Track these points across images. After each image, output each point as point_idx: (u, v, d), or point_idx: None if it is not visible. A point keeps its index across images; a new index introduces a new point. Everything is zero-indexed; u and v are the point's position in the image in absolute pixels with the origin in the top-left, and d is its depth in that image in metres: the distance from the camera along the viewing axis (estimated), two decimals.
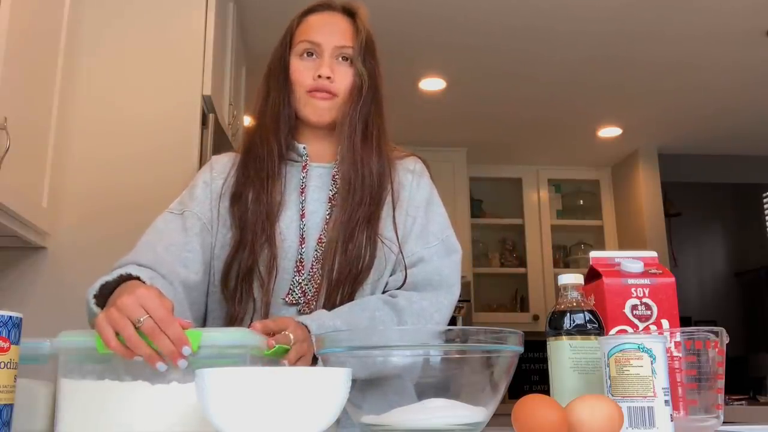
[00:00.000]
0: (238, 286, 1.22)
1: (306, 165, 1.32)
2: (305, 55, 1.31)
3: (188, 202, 1.31)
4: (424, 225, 1.31)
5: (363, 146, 1.28)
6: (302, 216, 1.27)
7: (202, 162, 2.23)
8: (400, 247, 1.26)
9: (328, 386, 0.71)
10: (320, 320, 1.11)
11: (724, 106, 4.02)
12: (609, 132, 4.42)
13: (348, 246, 1.21)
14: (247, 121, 3.92)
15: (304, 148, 1.32)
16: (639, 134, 4.47)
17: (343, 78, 1.29)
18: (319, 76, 1.28)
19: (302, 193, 1.29)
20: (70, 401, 0.87)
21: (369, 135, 1.30)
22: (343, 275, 1.21)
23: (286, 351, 0.99)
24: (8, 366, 0.77)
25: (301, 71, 1.30)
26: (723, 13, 3.02)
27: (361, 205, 1.24)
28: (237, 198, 1.27)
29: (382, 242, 1.25)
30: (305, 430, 0.70)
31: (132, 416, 0.86)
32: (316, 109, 1.29)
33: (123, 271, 1.05)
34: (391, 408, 0.83)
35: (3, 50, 1.64)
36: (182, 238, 1.24)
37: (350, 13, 1.35)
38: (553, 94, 3.86)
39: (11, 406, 0.78)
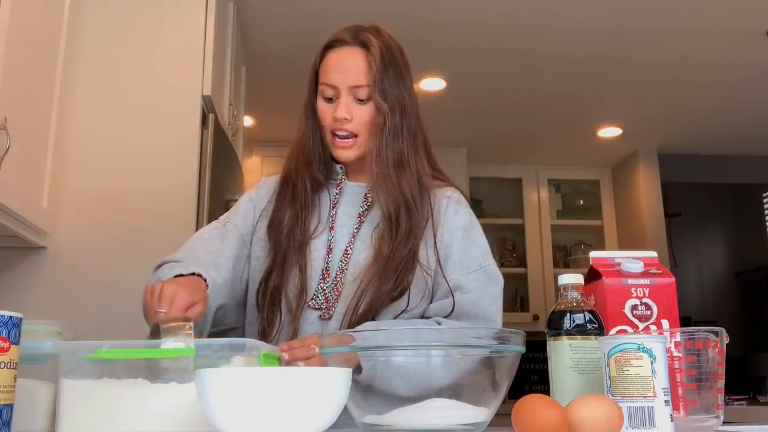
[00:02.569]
0: (268, 302, 1.31)
1: (341, 183, 1.39)
2: (326, 97, 1.34)
3: (232, 215, 1.43)
4: (463, 251, 1.32)
5: (399, 176, 1.31)
6: (331, 228, 1.34)
7: (201, 161, 2.23)
8: (443, 273, 1.29)
9: (328, 386, 0.71)
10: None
11: (724, 106, 4.02)
12: (609, 132, 4.41)
13: (386, 280, 1.25)
14: (248, 121, 3.92)
15: (341, 168, 1.39)
16: (639, 134, 4.47)
17: (361, 116, 1.32)
18: (336, 118, 1.32)
19: (333, 207, 1.36)
20: (71, 401, 0.87)
21: (406, 163, 1.32)
22: (375, 305, 1.25)
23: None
24: (8, 366, 0.77)
25: (324, 112, 1.35)
26: (723, 13, 3.02)
27: (409, 237, 1.28)
28: (273, 223, 1.37)
29: (422, 269, 1.28)
30: (305, 430, 0.70)
31: (132, 416, 0.86)
32: (340, 153, 1.35)
33: (196, 270, 1.20)
34: (394, 407, 0.83)
35: (3, 50, 1.64)
36: (219, 245, 1.36)
37: (364, 46, 1.34)
38: (553, 94, 3.86)
39: (11, 406, 0.78)
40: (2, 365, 0.76)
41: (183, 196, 2.17)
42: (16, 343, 0.78)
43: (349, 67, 1.32)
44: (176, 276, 1.18)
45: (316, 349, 1.08)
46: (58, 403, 0.88)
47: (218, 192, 2.35)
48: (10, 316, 0.78)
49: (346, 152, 1.34)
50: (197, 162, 2.21)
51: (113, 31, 2.28)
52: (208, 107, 2.33)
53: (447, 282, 1.29)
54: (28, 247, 2.06)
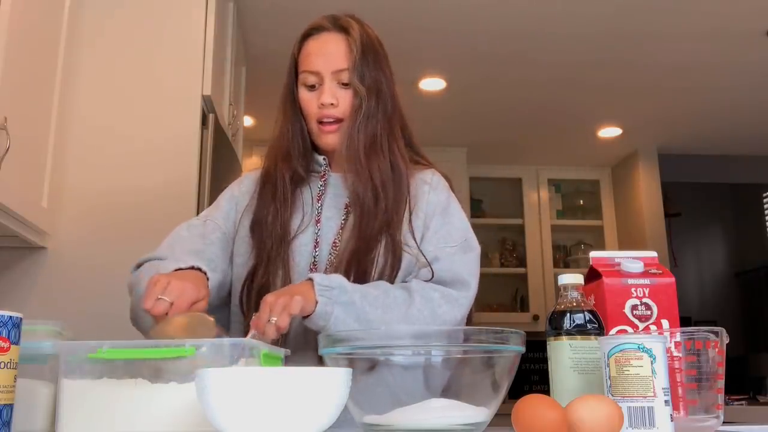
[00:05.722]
0: (254, 301, 1.26)
1: (324, 174, 1.36)
2: (309, 84, 1.33)
3: (213, 211, 1.40)
4: (439, 229, 1.31)
5: (369, 159, 1.30)
6: (317, 221, 1.32)
7: (201, 162, 2.23)
8: (419, 249, 1.28)
9: (328, 386, 0.71)
10: (337, 278, 1.17)
11: (724, 106, 4.02)
12: (609, 132, 4.41)
13: (364, 259, 1.24)
14: (248, 121, 3.92)
15: (324, 159, 1.37)
16: (639, 134, 4.46)
17: (345, 101, 1.31)
18: (323, 104, 1.31)
19: (318, 200, 1.34)
20: (71, 401, 0.87)
21: (378, 147, 1.31)
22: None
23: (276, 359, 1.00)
24: (8, 366, 0.77)
25: (308, 101, 1.33)
26: (723, 14, 3.02)
27: (376, 218, 1.26)
28: (255, 222, 1.33)
29: (402, 249, 1.27)
30: (305, 430, 0.70)
31: (132, 416, 0.86)
32: (326, 139, 1.33)
33: (194, 264, 1.17)
34: (394, 407, 0.83)
35: (3, 50, 1.64)
36: (200, 245, 1.31)
37: (344, 31, 1.34)
38: (553, 94, 3.86)
39: (11, 406, 0.78)
40: (2, 365, 0.76)
41: (183, 196, 2.17)
42: (16, 343, 0.78)
43: (331, 52, 1.32)
44: (176, 270, 1.14)
45: (273, 319, 1.05)
46: (58, 403, 0.88)
47: (218, 192, 2.33)
48: (10, 316, 0.78)
49: (332, 137, 1.32)
50: (197, 162, 2.21)
51: (113, 30, 2.28)
52: (208, 107, 2.33)
53: (424, 255, 1.27)
54: (28, 247, 2.06)
